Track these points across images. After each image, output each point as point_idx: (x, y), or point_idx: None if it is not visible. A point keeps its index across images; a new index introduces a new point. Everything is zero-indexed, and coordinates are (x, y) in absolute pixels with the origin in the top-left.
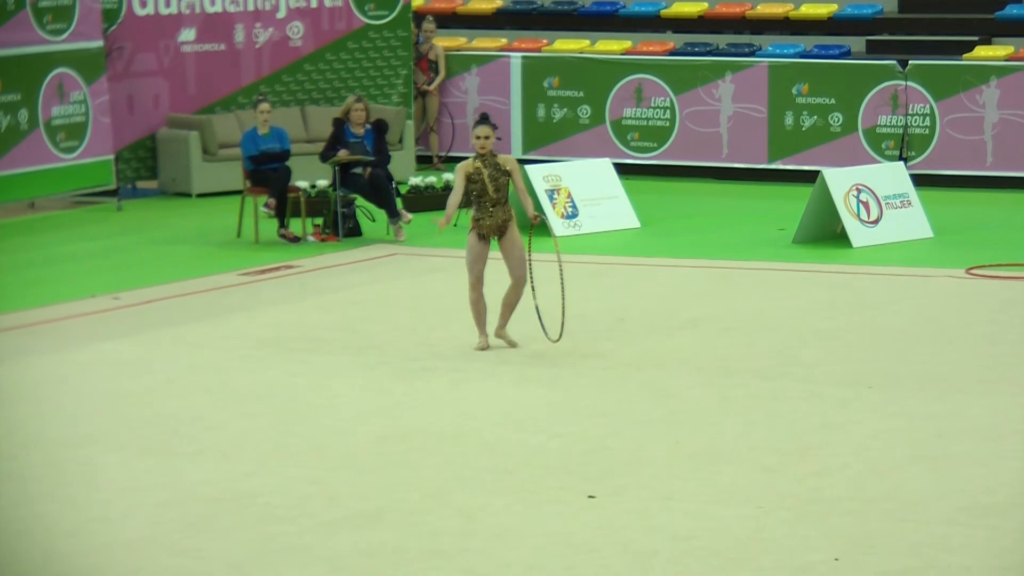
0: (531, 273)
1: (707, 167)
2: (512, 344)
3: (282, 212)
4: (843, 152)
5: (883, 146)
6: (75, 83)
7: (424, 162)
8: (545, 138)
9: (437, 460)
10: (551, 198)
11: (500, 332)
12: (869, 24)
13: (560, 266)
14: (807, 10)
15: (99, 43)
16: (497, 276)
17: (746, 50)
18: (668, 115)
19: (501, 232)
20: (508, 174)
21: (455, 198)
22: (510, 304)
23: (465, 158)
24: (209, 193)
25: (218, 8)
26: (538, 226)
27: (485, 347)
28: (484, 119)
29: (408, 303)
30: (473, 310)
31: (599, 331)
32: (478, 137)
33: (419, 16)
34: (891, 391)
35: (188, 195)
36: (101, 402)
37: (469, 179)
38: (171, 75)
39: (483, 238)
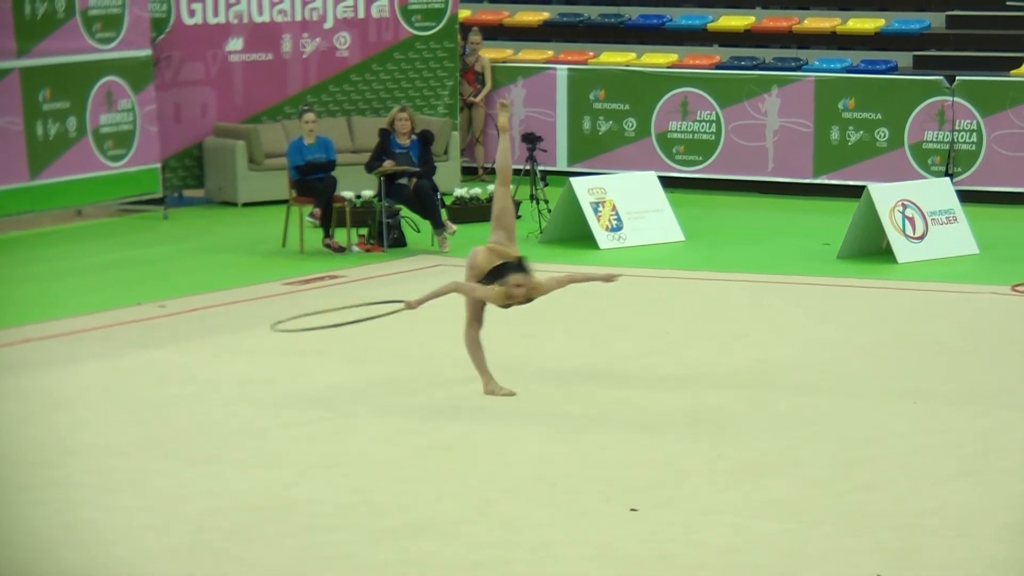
0: None
1: (752, 181)
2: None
3: (327, 222)
4: (889, 167)
5: (929, 162)
6: (123, 91)
7: (469, 174)
8: (590, 151)
9: (481, 471)
10: (596, 211)
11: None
12: (916, 40)
13: None
14: (854, 25)
15: (147, 52)
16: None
17: (793, 64)
18: (714, 129)
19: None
20: (545, 293)
21: (443, 290)
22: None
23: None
24: (255, 202)
25: (266, 18)
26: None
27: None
28: (520, 266)
29: (453, 314)
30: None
31: (643, 344)
32: (518, 285)
33: (466, 28)
34: (936, 407)
35: (234, 204)
36: (147, 410)
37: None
38: (218, 84)
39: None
